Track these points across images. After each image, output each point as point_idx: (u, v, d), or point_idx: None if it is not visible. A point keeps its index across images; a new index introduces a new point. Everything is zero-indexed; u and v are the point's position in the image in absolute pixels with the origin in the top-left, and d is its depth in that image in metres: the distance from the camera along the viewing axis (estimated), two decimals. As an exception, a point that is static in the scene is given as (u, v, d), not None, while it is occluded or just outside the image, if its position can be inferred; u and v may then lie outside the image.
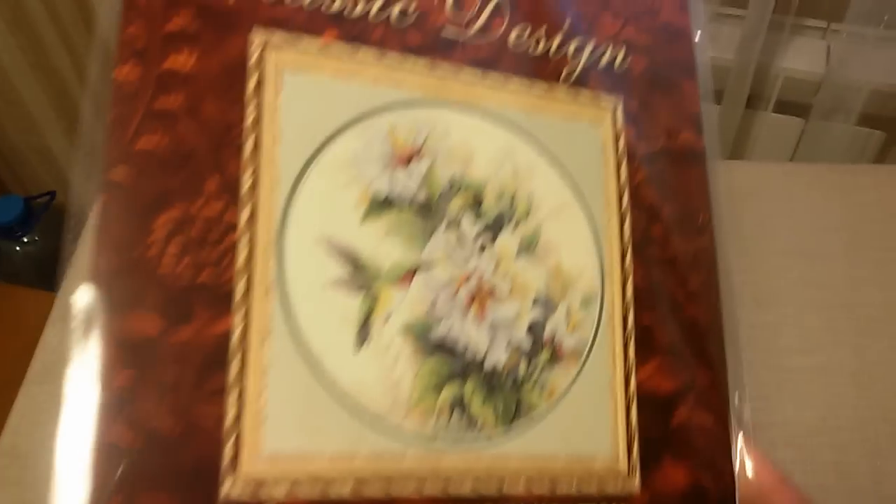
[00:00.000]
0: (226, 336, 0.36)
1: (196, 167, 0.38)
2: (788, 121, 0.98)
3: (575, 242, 0.46)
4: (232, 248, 0.37)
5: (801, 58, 0.90)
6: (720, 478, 0.47)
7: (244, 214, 0.38)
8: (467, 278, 0.42)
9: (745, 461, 0.47)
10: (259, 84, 0.40)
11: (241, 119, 0.39)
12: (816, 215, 0.67)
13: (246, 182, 0.38)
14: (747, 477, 0.47)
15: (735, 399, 0.48)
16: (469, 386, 0.41)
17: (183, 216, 0.37)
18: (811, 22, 0.92)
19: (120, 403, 0.35)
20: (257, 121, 0.39)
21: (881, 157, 0.94)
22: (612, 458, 0.44)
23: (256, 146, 0.39)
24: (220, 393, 0.36)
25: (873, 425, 0.59)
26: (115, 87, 0.37)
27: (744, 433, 0.47)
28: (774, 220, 0.67)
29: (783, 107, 0.97)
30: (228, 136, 0.39)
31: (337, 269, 0.39)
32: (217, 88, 0.39)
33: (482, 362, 0.42)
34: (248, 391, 0.36)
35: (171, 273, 0.36)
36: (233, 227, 0.38)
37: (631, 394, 0.45)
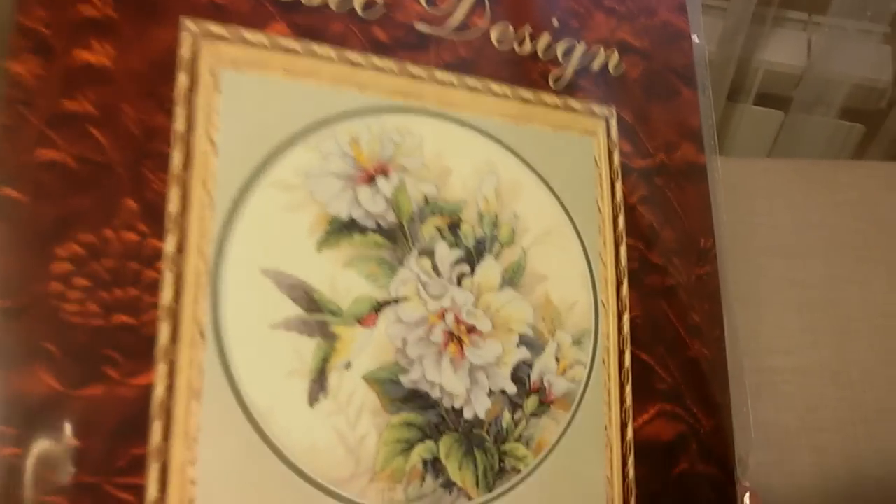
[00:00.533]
0: (146, 394, 0.30)
1: (110, 185, 0.31)
2: (769, 114, 0.95)
3: (565, 271, 0.40)
4: (154, 285, 0.31)
5: (783, 50, 0.89)
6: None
7: (170, 243, 0.31)
8: (442, 315, 0.36)
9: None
10: (192, 84, 0.33)
11: (169, 126, 0.32)
12: (796, 213, 0.64)
13: (173, 203, 0.32)
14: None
15: (740, 446, 0.42)
16: (445, 443, 0.35)
17: (93, 246, 0.30)
18: (793, 14, 0.89)
19: (7, 481, 0.27)
20: (189, 129, 0.32)
21: (861, 151, 0.92)
22: (609, 520, 0.38)
23: (187, 160, 0.32)
24: (137, 467, 0.29)
25: (853, 427, 0.58)
26: (11, 85, 0.30)
27: (749, 483, 0.42)
28: (754, 218, 0.63)
29: (764, 99, 0.94)
30: (152, 147, 0.32)
31: (286, 309, 0.33)
32: (139, 89, 0.32)
33: (460, 414, 0.36)
34: (174, 463, 0.29)
35: (77, 316, 0.29)
36: (156, 258, 0.31)
37: (628, 443, 0.39)
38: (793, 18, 0.91)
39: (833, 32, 0.84)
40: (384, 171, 0.36)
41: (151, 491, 0.29)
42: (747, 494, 0.41)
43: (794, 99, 0.90)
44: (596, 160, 0.42)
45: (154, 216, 0.31)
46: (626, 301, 0.41)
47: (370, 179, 0.36)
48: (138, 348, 0.30)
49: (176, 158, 0.32)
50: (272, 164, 0.34)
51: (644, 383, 0.40)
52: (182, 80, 0.33)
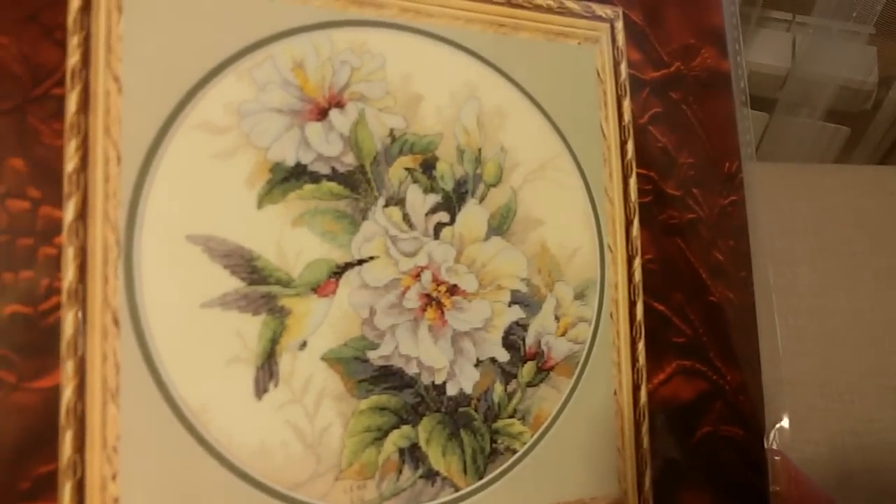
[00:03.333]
0: (51, 399, 0.24)
1: (-16, 141, 0.24)
2: (753, 115, 0.90)
3: (565, 213, 0.33)
4: (54, 265, 0.25)
5: (767, 51, 0.88)
6: (753, 501, 0.36)
7: (69, 210, 0.25)
8: (418, 275, 0.30)
9: (781, 480, 0.36)
10: (86, 5, 0.26)
11: (60, 62, 0.25)
12: (782, 218, 0.64)
13: (70, 159, 0.25)
14: (786, 500, 0.36)
15: (771, 405, 0.37)
16: (425, 427, 0.30)
17: (-35, 221, 0.24)
18: (777, 14, 0.85)
19: None
20: (85, 63, 0.26)
21: (846, 154, 0.90)
22: (619, 496, 0.33)
23: (85, 103, 0.25)
24: (45, 488, 0.24)
25: (841, 438, 0.57)
26: None
27: (781, 445, 0.37)
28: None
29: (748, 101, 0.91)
30: (39, 90, 0.25)
31: (221, 283, 0.27)
32: (17, 14, 0.25)
33: (442, 391, 0.30)
34: (92, 479, 0.24)
35: (-46, 310, 0.24)
36: (53, 231, 0.25)
37: (642, 408, 0.34)
38: (777, 18, 0.88)
39: (818, 33, 0.81)
40: (339, 103, 0.29)
41: (66, 515, 0.24)
42: (778, 459, 0.36)
43: (778, 101, 0.88)
44: (599, 74, 0.35)
45: (47, 177, 0.25)
46: (638, 243, 0.35)
47: (321, 114, 0.29)
48: (38, 344, 0.24)
49: (71, 102, 0.25)
50: (194, 102, 0.27)
51: (659, 338, 0.35)
52: (73, 2, 0.26)
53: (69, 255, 0.25)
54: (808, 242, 0.62)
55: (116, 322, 0.25)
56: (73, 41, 0.26)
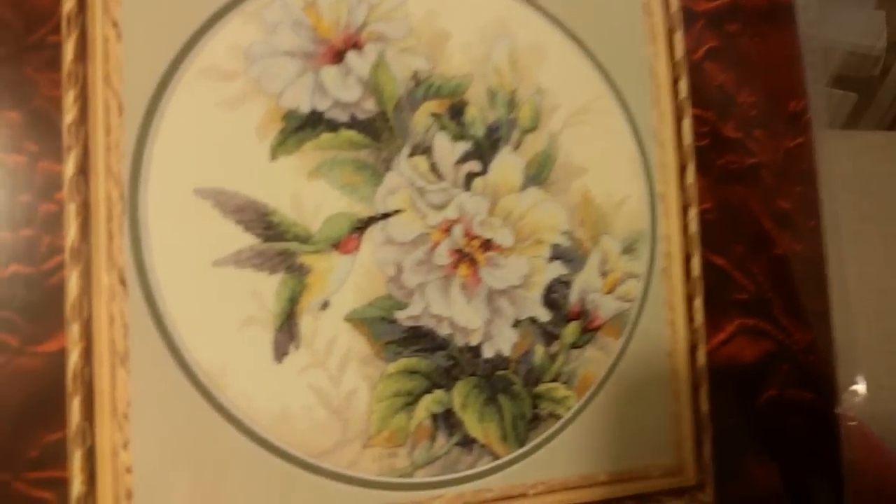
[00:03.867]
0: (57, 363, 0.23)
1: (-23, 92, 0.23)
2: None
3: (610, 159, 0.31)
4: (55, 222, 0.23)
5: None
6: (825, 473, 0.33)
7: (70, 165, 0.24)
8: (448, 229, 0.28)
9: (857, 448, 0.33)
10: (80, -56, 0.24)
11: (55, 7, 0.24)
12: None
13: (69, 111, 0.24)
14: (862, 470, 0.33)
15: (844, 366, 0.34)
16: (459, 391, 0.28)
17: (-41, 177, 0.23)
18: None
19: None
20: (81, 7, 0.24)
21: (853, 120, 0.85)
22: (675, 465, 0.31)
23: (83, 50, 0.24)
24: (54, 457, 0.23)
25: None
26: None
27: (855, 411, 0.33)
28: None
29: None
30: (34, 38, 0.24)
31: (234, 239, 0.25)
32: (7, -44, 0.24)
33: (478, 353, 0.28)
34: (102, 447, 0.23)
35: (-48, 272, 0.22)
36: (53, 186, 0.23)
37: (700, 370, 0.31)
38: None
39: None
40: (356, 44, 0.27)
41: (76, 485, 0.23)
42: (852, 425, 0.32)
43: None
44: (646, 6, 0.32)
45: (45, 130, 0.24)
46: (693, 191, 0.32)
47: (337, 56, 0.27)
48: (41, 305, 0.23)
49: (68, 50, 0.24)
50: (199, 46, 0.25)
51: (718, 294, 0.32)
52: (67, -60, 0.24)
53: (71, 211, 0.23)
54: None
55: (123, 282, 0.24)
56: (69, -16, 0.24)
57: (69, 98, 0.24)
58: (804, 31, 0.35)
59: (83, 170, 0.24)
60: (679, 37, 0.32)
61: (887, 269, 0.54)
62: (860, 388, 0.33)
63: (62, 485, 0.23)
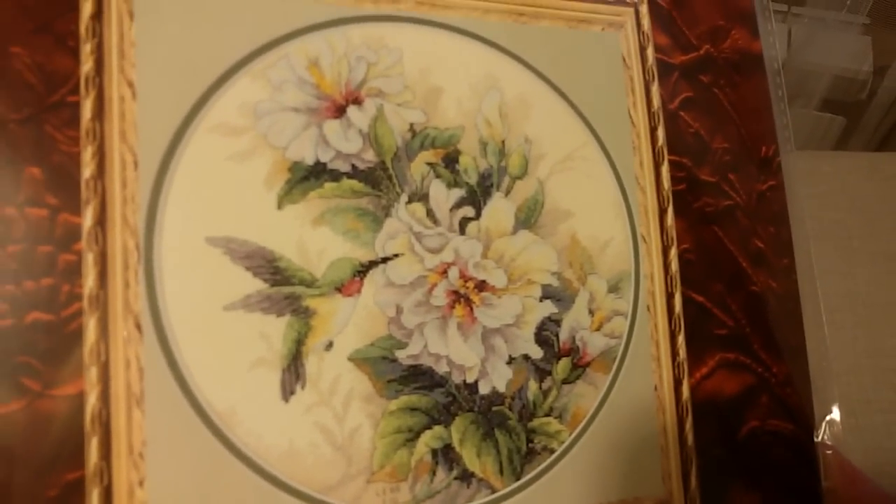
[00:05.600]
0: (76, 406, 0.24)
1: (4, 151, 0.24)
2: None
3: (594, 203, 0.32)
4: (74, 271, 0.24)
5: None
6: (805, 500, 0.34)
7: (88, 217, 0.25)
8: (444, 272, 0.29)
9: (834, 476, 0.34)
10: (97, 11, 0.26)
11: (74, 69, 0.25)
12: None
13: (87, 166, 0.25)
14: (840, 497, 0.34)
15: (820, 397, 0.35)
16: (458, 427, 0.29)
17: (-15, 230, 0.24)
18: (773, 5, 0.84)
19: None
20: (99, 69, 0.26)
21: (842, 143, 0.88)
22: (664, 496, 0.32)
23: (100, 108, 0.25)
24: (73, 495, 0.24)
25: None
26: None
27: (832, 439, 0.35)
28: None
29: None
30: (54, 98, 0.25)
31: (243, 284, 0.26)
32: (30, 24, 0.25)
33: (474, 389, 0.29)
34: (119, 485, 0.24)
35: (-24, 320, 0.23)
36: (72, 237, 0.25)
37: (685, 403, 0.33)
38: (773, 10, 0.87)
39: (812, 23, 0.80)
40: (356, 99, 0.29)
41: (94, 523, 0.24)
42: (830, 453, 0.34)
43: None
44: (624, 60, 0.34)
45: (65, 184, 0.25)
46: (673, 232, 0.34)
47: (339, 111, 0.29)
48: (61, 351, 0.24)
49: (86, 109, 0.25)
50: (210, 104, 0.27)
51: (700, 330, 0.33)
52: (85, 6, 0.26)
53: (89, 260, 0.25)
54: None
55: (139, 327, 0.25)
56: (86, 48, 0.26)
57: (87, 154, 0.25)
58: (771, 57, 0.38)
59: (101, 221, 0.25)
60: (656, 88, 0.34)
61: (874, 284, 0.56)
62: (836, 416, 0.34)
63: (80, 523, 0.24)
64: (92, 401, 0.24)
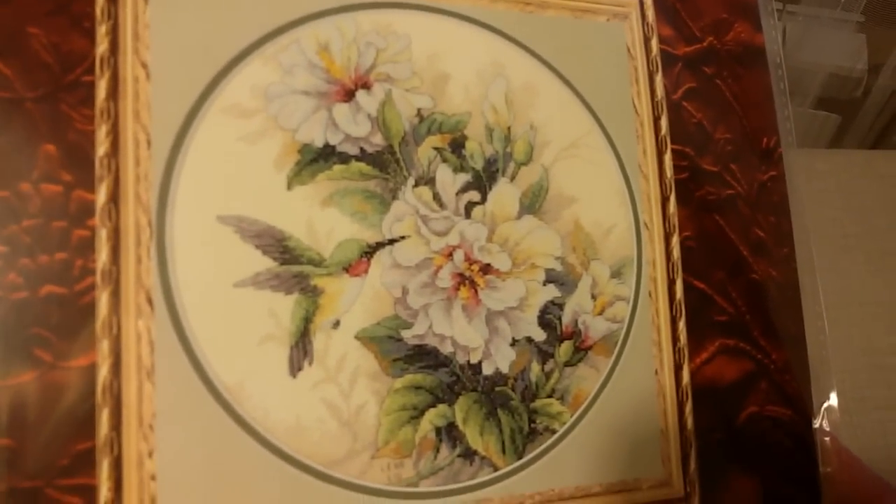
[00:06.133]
0: (88, 377, 0.24)
1: (23, 128, 0.25)
2: None
3: (598, 190, 0.33)
4: (87, 246, 0.25)
5: None
6: (803, 485, 0.35)
7: (102, 194, 0.25)
8: (450, 254, 0.30)
9: (833, 462, 0.35)
10: (114, -7, 0.27)
11: (89, 50, 0.26)
12: None
13: (101, 144, 0.26)
14: (837, 483, 0.35)
15: (818, 384, 0.36)
16: (461, 406, 0.29)
17: (8, 203, 0.25)
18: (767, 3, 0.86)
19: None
20: (114, 50, 0.26)
21: (837, 141, 0.88)
22: (664, 478, 0.32)
23: (115, 89, 0.26)
24: (84, 465, 0.24)
25: None
26: None
27: (830, 425, 0.35)
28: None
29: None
30: (70, 77, 0.26)
31: (253, 262, 0.27)
32: (47, 5, 0.26)
33: (478, 370, 0.30)
34: (129, 456, 0.24)
35: (-7, 292, 0.24)
36: (86, 213, 0.25)
37: (685, 388, 0.33)
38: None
39: (807, 21, 0.80)
40: (365, 84, 0.29)
41: (104, 491, 0.24)
42: (828, 440, 0.34)
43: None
44: (629, 50, 0.34)
45: (79, 162, 0.26)
46: (675, 220, 0.34)
47: (348, 95, 0.29)
48: (74, 323, 0.25)
49: (101, 89, 0.26)
50: (222, 86, 0.27)
51: (701, 316, 0.34)
52: (101, -11, 0.27)
53: (102, 236, 0.25)
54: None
55: (150, 301, 0.25)
56: (102, 30, 0.26)
57: (102, 132, 0.26)
58: (775, 60, 0.38)
59: (114, 198, 0.26)
60: (659, 78, 0.35)
61: (869, 282, 0.57)
62: (833, 403, 0.35)
63: (91, 491, 0.24)
64: (103, 373, 0.25)
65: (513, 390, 0.30)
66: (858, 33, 0.82)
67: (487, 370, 0.30)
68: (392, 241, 0.29)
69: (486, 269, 0.31)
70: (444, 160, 0.30)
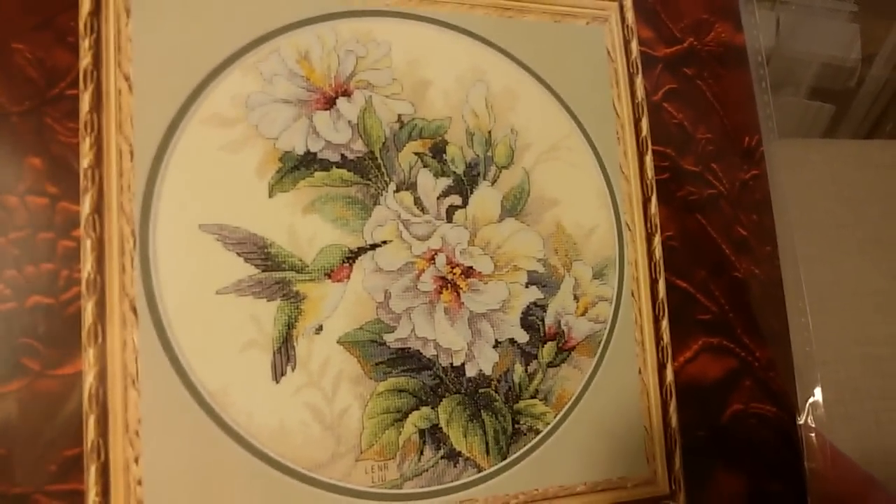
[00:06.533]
0: (75, 385, 0.25)
1: (7, 142, 0.25)
2: None
3: (579, 192, 0.33)
4: (73, 257, 0.26)
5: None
6: (789, 481, 0.35)
7: (86, 205, 0.26)
8: (432, 258, 0.30)
9: (818, 458, 0.35)
10: (96, 9, 0.27)
11: (73, 64, 0.27)
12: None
13: (85, 156, 0.26)
14: (823, 478, 0.35)
15: (802, 380, 0.36)
16: (445, 408, 0.30)
17: (-13, 217, 0.25)
18: None
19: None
20: (97, 64, 0.27)
21: (831, 131, 0.88)
22: (649, 476, 0.33)
23: (97, 101, 0.26)
24: (72, 470, 0.25)
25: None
26: None
27: (815, 421, 0.36)
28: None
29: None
30: (54, 92, 0.26)
31: (235, 269, 0.27)
32: (31, 20, 0.26)
33: (461, 372, 0.30)
34: (116, 462, 0.25)
35: (-20, 303, 0.25)
36: (71, 224, 0.26)
37: (668, 386, 0.34)
38: None
39: (800, 11, 0.80)
40: (345, 91, 0.30)
41: (92, 496, 0.25)
42: (813, 436, 0.35)
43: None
44: (609, 52, 0.35)
45: (64, 174, 0.26)
46: (656, 220, 0.34)
47: (329, 102, 0.30)
48: (61, 333, 0.25)
49: (84, 102, 0.26)
50: (203, 96, 0.28)
51: (684, 315, 0.34)
52: (84, 3, 0.27)
53: (87, 247, 0.26)
54: (793, 216, 0.61)
55: (135, 310, 0.26)
56: (85, 44, 0.27)
57: (86, 145, 0.26)
58: (755, 49, 0.38)
59: (98, 209, 0.26)
60: (640, 80, 0.35)
61: (863, 272, 0.56)
62: (818, 399, 0.35)
63: (79, 496, 0.25)
64: (90, 381, 0.25)
65: (496, 392, 0.31)
66: (852, 23, 0.81)
67: (471, 372, 0.30)
68: (374, 247, 0.30)
69: (469, 272, 0.31)
70: (425, 165, 0.31)
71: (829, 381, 0.53)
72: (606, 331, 0.33)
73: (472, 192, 0.31)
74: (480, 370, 0.31)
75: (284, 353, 0.28)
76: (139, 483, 0.25)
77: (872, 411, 0.51)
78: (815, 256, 0.56)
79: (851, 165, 0.62)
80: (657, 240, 0.34)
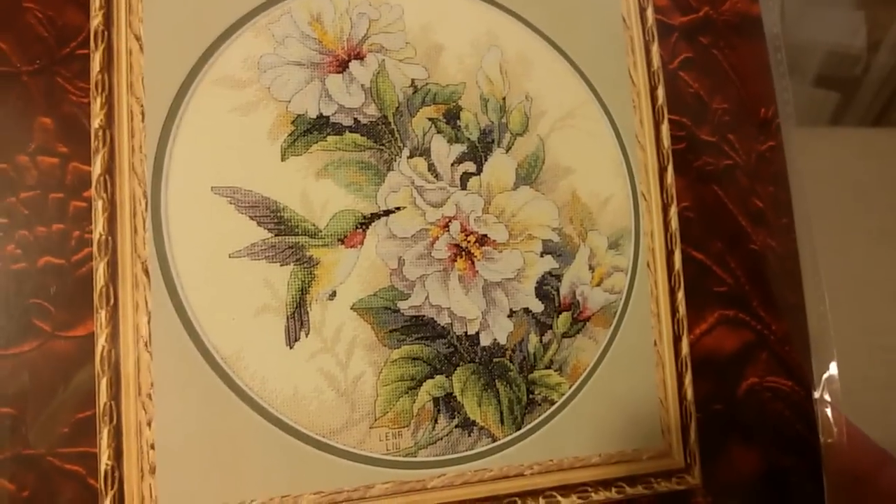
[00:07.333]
0: (87, 347, 0.25)
1: (18, 101, 0.25)
2: None
3: (595, 160, 0.33)
4: (84, 217, 0.25)
5: None
6: (803, 456, 0.35)
7: (97, 165, 0.26)
8: (446, 225, 0.30)
9: (833, 433, 0.35)
10: (106, -34, 0.27)
11: (84, 23, 0.26)
12: None
13: (97, 116, 0.26)
14: (838, 453, 0.35)
15: (818, 354, 0.35)
16: (459, 377, 0.29)
17: (5, 175, 0.25)
18: None
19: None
20: (108, 23, 0.26)
21: (837, 119, 0.87)
22: (664, 449, 0.32)
23: (108, 61, 0.26)
24: (84, 433, 0.24)
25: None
26: None
27: (830, 397, 0.35)
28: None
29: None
30: (65, 51, 0.26)
31: (249, 233, 0.27)
32: (40, -23, 0.26)
33: (476, 341, 0.30)
34: (128, 424, 0.25)
35: (-10, 263, 0.24)
36: (82, 185, 0.25)
37: (684, 359, 0.33)
38: None
39: None
40: (358, 55, 0.29)
41: (104, 459, 0.24)
42: (828, 410, 0.34)
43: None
44: (625, 19, 0.34)
45: (75, 134, 0.26)
46: (672, 190, 0.34)
47: (341, 66, 0.29)
48: (72, 294, 0.25)
49: (95, 62, 0.26)
50: (214, 57, 0.27)
51: (699, 287, 0.34)
52: (94, -37, 0.27)
53: (98, 207, 0.25)
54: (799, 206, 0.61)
55: (146, 272, 0.26)
56: (96, 3, 0.26)
57: (97, 105, 0.26)
58: (773, 34, 0.38)
59: (109, 170, 0.26)
60: (655, 48, 0.35)
61: (869, 261, 0.56)
62: (834, 373, 0.35)
63: (91, 459, 0.24)
64: (102, 342, 0.25)
65: (511, 361, 0.30)
66: (857, 10, 0.81)
67: (485, 341, 0.30)
68: (387, 213, 0.29)
69: (483, 240, 0.31)
70: (439, 131, 0.30)
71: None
72: (622, 302, 0.33)
73: (486, 160, 0.31)
74: (495, 339, 0.30)
75: (298, 319, 0.27)
76: (152, 447, 0.25)
77: (881, 401, 0.51)
78: (822, 245, 0.56)
79: (858, 154, 0.62)
80: (673, 210, 0.34)
